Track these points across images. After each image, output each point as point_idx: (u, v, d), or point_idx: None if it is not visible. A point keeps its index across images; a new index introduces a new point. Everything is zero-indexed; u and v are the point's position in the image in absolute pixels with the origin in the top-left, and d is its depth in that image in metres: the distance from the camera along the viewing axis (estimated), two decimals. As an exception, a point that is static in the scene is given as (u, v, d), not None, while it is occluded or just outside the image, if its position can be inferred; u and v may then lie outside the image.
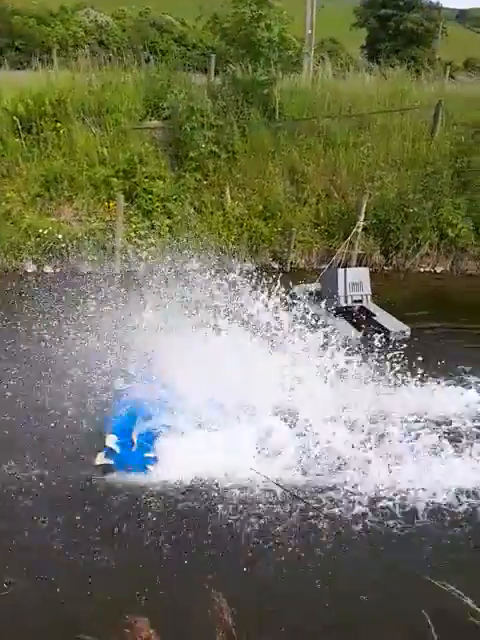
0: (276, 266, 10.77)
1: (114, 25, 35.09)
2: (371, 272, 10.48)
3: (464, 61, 41.53)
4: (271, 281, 6.88)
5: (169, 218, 10.28)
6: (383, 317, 8.11)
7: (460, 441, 5.53)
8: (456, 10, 77.50)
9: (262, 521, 4.55)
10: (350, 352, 6.35)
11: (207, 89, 11.37)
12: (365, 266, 10.36)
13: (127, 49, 13.03)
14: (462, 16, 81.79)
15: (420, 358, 6.68)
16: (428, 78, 13.59)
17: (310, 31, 13.74)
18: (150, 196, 10.18)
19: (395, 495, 4.80)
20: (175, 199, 10.37)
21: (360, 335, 7.39)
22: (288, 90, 11.66)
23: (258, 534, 4.44)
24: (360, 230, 10.23)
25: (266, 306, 6.64)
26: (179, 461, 5.03)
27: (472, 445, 5.46)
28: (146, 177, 10.25)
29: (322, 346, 6.30)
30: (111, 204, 10.08)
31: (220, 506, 4.66)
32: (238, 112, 11.02)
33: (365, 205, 10.13)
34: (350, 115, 11.42)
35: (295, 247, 10.70)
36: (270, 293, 6.70)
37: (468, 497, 4.82)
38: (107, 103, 10.77)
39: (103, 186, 10.24)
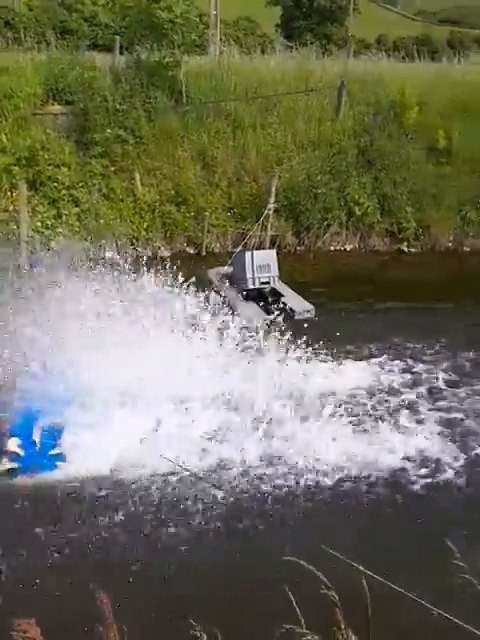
0: (191, 251, 10.78)
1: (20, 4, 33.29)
2: (284, 253, 10.79)
3: (376, 38, 42.43)
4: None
5: (77, 206, 10.04)
6: (290, 297, 8.29)
7: (359, 415, 5.79)
8: (369, -13, 78.56)
9: (165, 508, 4.62)
10: (254, 333, 6.50)
11: (110, 71, 11.09)
12: (278, 247, 10.59)
13: (30, 30, 12.49)
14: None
15: (325, 335, 6.94)
16: (335, 57, 13.86)
17: (215, 12, 13.60)
18: (55, 184, 9.90)
19: (295, 473, 4.98)
20: (82, 186, 10.13)
21: (266, 316, 7.52)
22: (194, 72, 11.55)
23: (159, 521, 4.50)
24: (271, 212, 10.37)
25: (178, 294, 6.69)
26: (87, 455, 5.01)
27: (376, 419, 5.73)
28: (50, 164, 9.95)
29: (226, 329, 6.41)
30: (14, 193, 9.72)
31: (123, 498, 4.69)
32: (143, 95, 10.83)
33: (275, 187, 10.28)
34: (257, 97, 11.46)
35: (209, 231, 10.72)
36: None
37: (363, 470, 5.03)
38: (4, 88, 10.31)
39: (4, 175, 9.85)
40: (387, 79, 12.05)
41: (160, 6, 10.48)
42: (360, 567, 2.21)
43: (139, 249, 10.27)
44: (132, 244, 10.37)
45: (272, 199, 10.28)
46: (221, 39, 13.84)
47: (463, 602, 2.31)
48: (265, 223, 10.48)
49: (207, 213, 10.49)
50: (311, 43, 14.00)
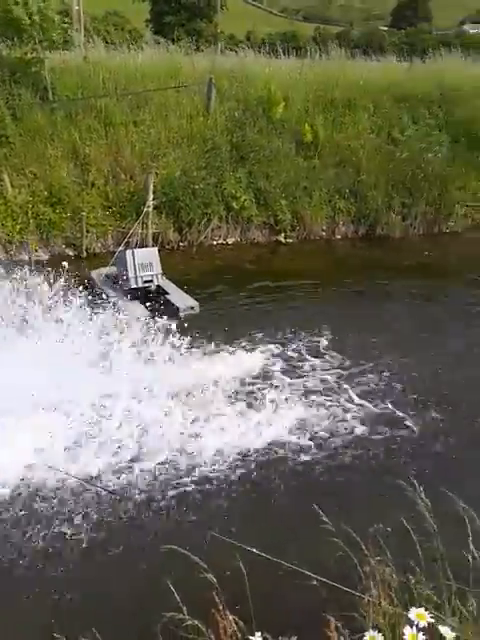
0: (71, 253, 10.47)
1: None
2: (167, 249, 10.81)
3: (245, 34, 43.45)
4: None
5: None
6: (175, 294, 8.35)
7: (243, 402, 5.97)
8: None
9: (56, 519, 4.51)
10: (139, 332, 6.50)
11: (-33, 68, 10.46)
12: (161, 244, 10.59)
13: None
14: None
15: (208, 329, 7.11)
16: (204, 53, 14.01)
17: (77, 7, 13.22)
18: None
19: (192, 467, 5.06)
20: None
21: (149, 314, 7.53)
22: (60, 69, 11.19)
23: (51, 535, 4.39)
24: (151, 209, 10.32)
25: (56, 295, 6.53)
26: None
27: (260, 404, 5.94)
28: None
29: (108, 329, 6.37)
30: None
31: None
32: (6, 93, 10.34)
33: (152, 184, 10.24)
34: (127, 93, 11.34)
35: (88, 232, 10.47)
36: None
37: (246, 456, 5.21)
38: None
39: None
40: (254, 75, 12.43)
41: (16, 2, 10.02)
42: (239, 544, 2.33)
43: (13, 253, 9.84)
44: (5, 249, 9.90)
45: (150, 196, 10.23)
46: (87, 34, 13.49)
47: (334, 564, 2.52)
48: (145, 221, 10.41)
49: (84, 213, 10.24)
50: (180, 39, 14.05)
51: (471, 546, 2.31)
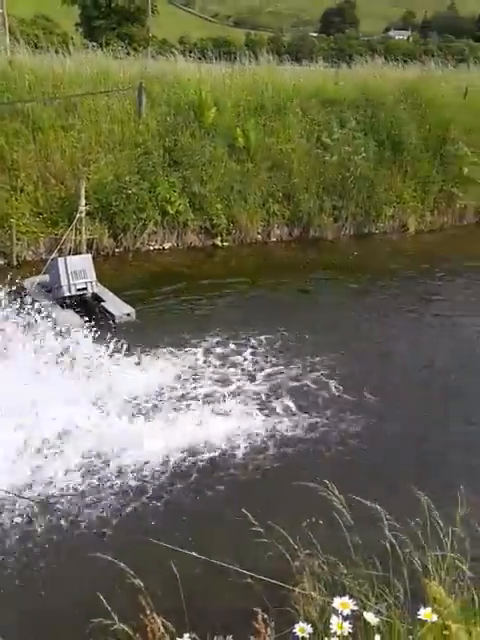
0: (1, 262, 10.16)
1: None
2: (102, 256, 10.66)
3: (178, 39, 43.48)
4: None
5: None
6: (110, 302, 8.24)
7: (176, 406, 5.98)
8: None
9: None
10: (72, 341, 6.40)
11: None
12: (96, 251, 10.43)
13: None
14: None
15: (145, 336, 7.08)
16: (135, 57, 13.90)
17: (1, 10, 12.85)
18: None
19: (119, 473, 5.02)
20: None
21: (84, 323, 7.42)
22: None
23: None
24: (83, 215, 10.12)
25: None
26: None
27: (194, 409, 5.96)
28: None
29: (41, 338, 6.23)
30: None
31: None
32: None
33: (84, 189, 10.06)
34: (55, 97, 11.10)
35: (19, 239, 10.19)
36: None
37: (175, 461, 5.21)
38: None
39: None
40: (186, 80, 12.45)
41: None
42: (170, 547, 2.35)
43: None
44: None
45: (82, 202, 10.02)
46: (13, 38, 13.12)
47: (266, 561, 2.60)
48: (78, 227, 10.18)
49: (13, 220, 9.96)
50: (110, 43, 13.89)
51: (388, 535, 2.42)
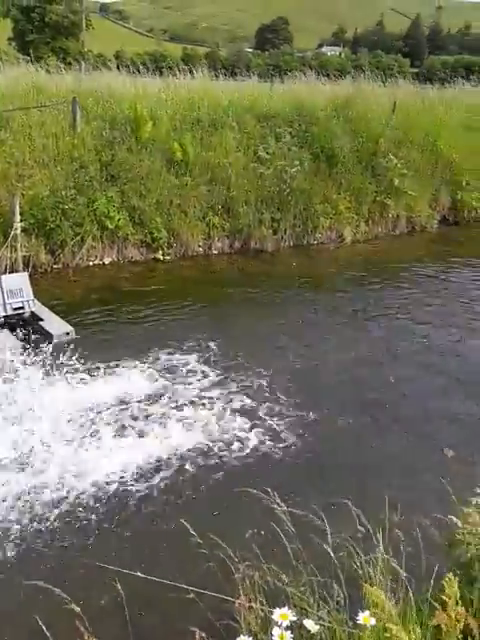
0: None
1: None
2: (40, 273, 10.42)
3: (114, 53, 43.25)
4: None
5: None
6: (49, 320, 8.05)
7: (113, 426, 5.90)
8: (98, 3, 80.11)
9: None
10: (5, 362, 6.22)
11: None
12: (33, 268, 10.19)
13: None
14: (105, 9, 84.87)
15: (85, 354, 6.96)
16: (70, 71, 13.77)
17: None
18: None
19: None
20: None
21: (20, 344, 7.22)
22: None
23: None
24: (19, 232, 9.89)
25: None
26: None
27: (135, 426, 5.89)
28: None
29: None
30: None
31: None
32: None
33: (18, 206, 9.83)
34: (-17, 113, 10.82)
35: None
36: None
37: (114, 479, 5.13)
38: None
39: None
40: (121, 94, 12.42)
41: None
42: (111, 567, 2.31)
43: None
44: None
45: (17, 218, 9.79)
46: None
47: (209, 575, 2.60)
48: (13, 244, 9.93)
49: None
50: (43, 58, 13.71)
51: (329, 540, 2.47)
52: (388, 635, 1.85)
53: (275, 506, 2.71)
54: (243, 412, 6.27)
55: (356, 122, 13.58)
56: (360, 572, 2.45)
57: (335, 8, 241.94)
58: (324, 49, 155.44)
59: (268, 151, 12.36)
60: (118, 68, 14.93)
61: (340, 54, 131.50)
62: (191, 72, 14.94)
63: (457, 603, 2.06)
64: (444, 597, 2.05)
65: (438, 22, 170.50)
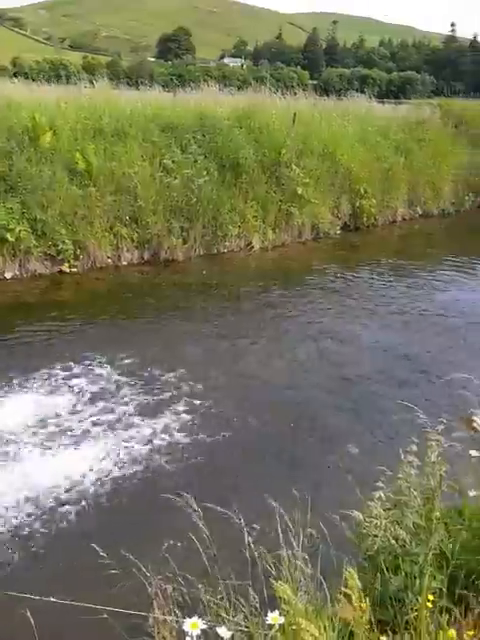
0: None
1: None
2: None
3: (11, 60, 41.61)
4: None
5: None
6: None
7: (30, 446, 5.67)
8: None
9: None
10: None
11: None
12: None
13: None
14: (0, 16, 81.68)
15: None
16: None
17: None
18: None
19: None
20: None
21: None
22: None
23: None
24: None
25: None
26: None
27: (44, 443, 5.67)
28: None
29: None
30: None
31: None
32: None
33: None
34: None
35: None
36: None
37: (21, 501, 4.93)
38: None
39: None
40: (19, 103, 11.99)
41: None
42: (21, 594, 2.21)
43: None
44: None
45: None
46: None
47: (124, 592, 2.55)
48: None
49: None
50: None
51: (246, 541, 2.51)
52: (296, 629, 1.90)
53: (190, 512, 2.69)
54: (154, 421, 6.21)
55: (258, 132, 13.89)
56: (274, 572, 2.49)
57: (235, 21, 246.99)
58: (226, 60, 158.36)
59: (174, 161, 12.36)
60: (15, 76, 14.43)
61: (242, 65, 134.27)
62: (92, 82, 14.71)
63: (364, 595, 2.15)
64: (347, 591, 2.13)
65: (334, 36, 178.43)
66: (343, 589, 2.18)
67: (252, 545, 2.68)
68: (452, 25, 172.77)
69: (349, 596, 2.12)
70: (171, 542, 3.10)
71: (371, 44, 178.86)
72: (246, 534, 2.70)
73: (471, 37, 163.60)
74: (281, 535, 2.71)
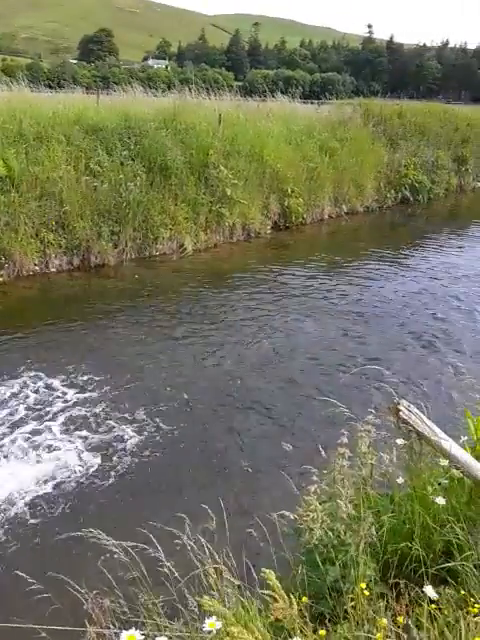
0: None
1: None
2: None
3: None
4: None
5: None
6: None
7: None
8: None
9: None
10: None
11: None
12: None
13: None
14: None
15: None
16: None
17: None
18: None
19: None
20: None
21: None
22: None
23: None
24: None
25: None
26: None
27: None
28: None
29: None
30: None
31: None
32: None
33: None
34: None
35: None
36: None
37: None
38: None
39: None
40: None
41: None
42: None
43: None
44: None
45: None
46: None
47: (61, 611, 2.49)
48: None
49: None
50: None
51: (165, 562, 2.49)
52: (231, 638, 1.90)
53: (130, 520, 2.65)
54: (75, 436, 6.06)
55: (185, 134, 13.85)
56: (206, 582, 2.48)
57: (157, 22, 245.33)
58: (150, 62, 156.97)
59: (101, 164, 12.13)
60: None
61: (166, 67, 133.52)
62: (8, 85, 14.21)
63: (293, 593, 2.18)
64: (271, 592, 2.15)
65: (256, 38, 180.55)
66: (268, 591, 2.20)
67: (189, 551, 2.67)
68: (369, 26, 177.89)
69: (274, 597, 2.14)
70: (106, 556, 3.02)
71: (292, 45, 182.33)
72: (186, 540, 2.69)
73: (388, 38, 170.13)
74: (214, 543, 2.71)
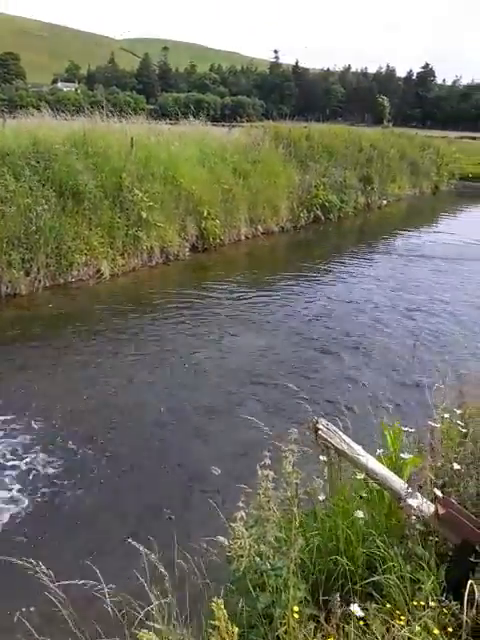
0: None
1: None
2: None
3: None
4: None
5: None
6: None
7: None
8: None
9: None
10: None
11: None
12: None
13: None
14: None
15: None
16: None
17: None
18: None
19: None
20: None
21: None
22: None
23: None
24: None
25: None
26: None
27: None
28: None
29: None
30: None
31: None
32: None
33: None
34: None
35: None
36: None
37: None
38: None
39: None
40: None
41: None
42: None
43: None
44: None
45: None
46: None
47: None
48: None
49: None
50: None
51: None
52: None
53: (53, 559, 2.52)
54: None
55: (96, 157, 13.65)
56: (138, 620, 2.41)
57: (66, 46, 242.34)
58: (59, 85, 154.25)
59: (8, 189, 11.69)
60: None
61: (76, 90, 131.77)
62: None
63: (230, 624, 2.14)
64: (215, 622, 2.12)
65: (166, 62, 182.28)
66: (211, 622, 2.16)
67: (119, 587, 2.57)
68: (275, 51, 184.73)
69: (217, 626, 2.10)
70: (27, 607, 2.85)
71: (202, 69, 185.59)
72: (103, 580, 2.59)
73: (293, 63, 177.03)
74: (148, 577, 2.64)
